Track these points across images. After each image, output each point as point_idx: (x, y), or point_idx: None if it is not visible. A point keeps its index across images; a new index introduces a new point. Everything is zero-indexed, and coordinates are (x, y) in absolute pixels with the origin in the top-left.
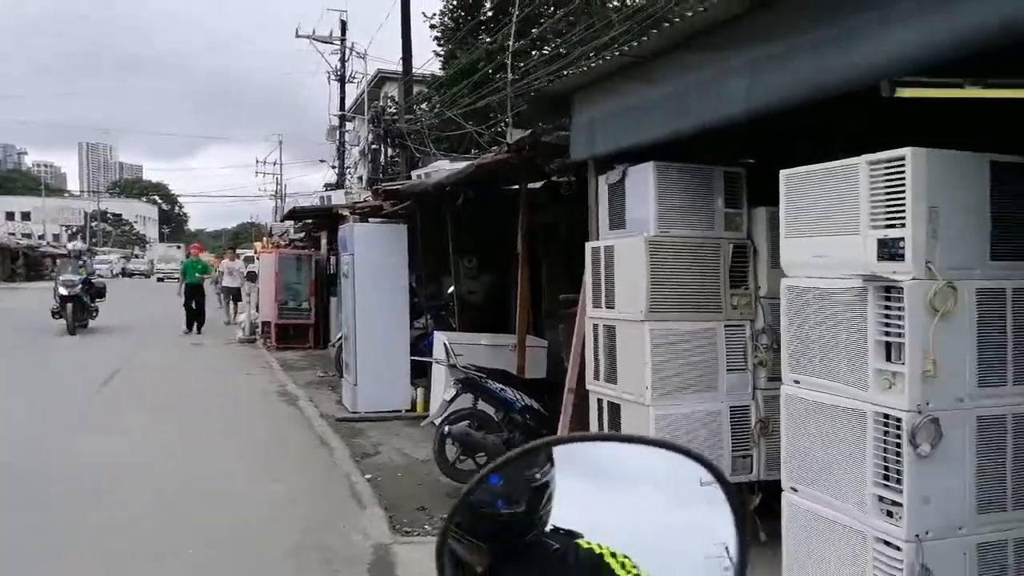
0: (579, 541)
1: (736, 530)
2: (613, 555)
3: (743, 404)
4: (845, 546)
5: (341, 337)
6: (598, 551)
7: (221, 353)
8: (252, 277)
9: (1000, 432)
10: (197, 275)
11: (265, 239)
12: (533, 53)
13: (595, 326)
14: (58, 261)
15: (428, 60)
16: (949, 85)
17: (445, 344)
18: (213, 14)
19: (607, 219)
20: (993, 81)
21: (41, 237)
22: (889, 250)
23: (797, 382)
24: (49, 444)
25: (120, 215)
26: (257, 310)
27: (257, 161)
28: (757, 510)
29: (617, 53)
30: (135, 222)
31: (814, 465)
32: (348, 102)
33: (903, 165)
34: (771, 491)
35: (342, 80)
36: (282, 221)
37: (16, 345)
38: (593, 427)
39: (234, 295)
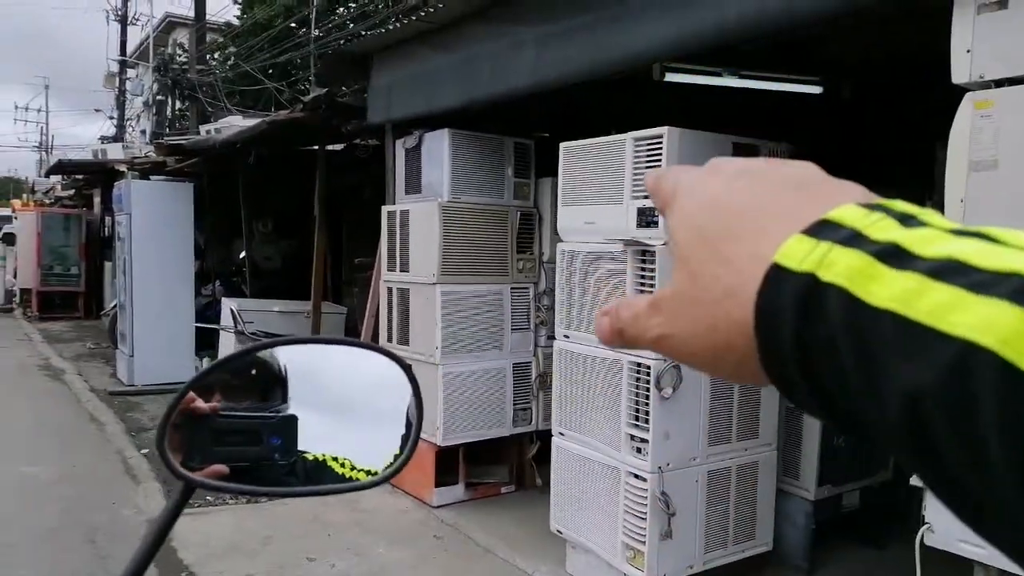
0: (304, 455)
1: (414, 396)
2: (335, 459)
3: (525, 361)
4: (602, 481)
5: (116, 305)
6: (321, 459)
7: None
8: (9, 240)
9: None
10: None
11: (26, 196)
12: (339, 11)
13: (389, 289)
14: None
15: (224, 7)
16: (710, 73)
17: (232, 310)
18: None
19: (403, 184)
20: (746, 73)
21: None
22: (646, 218)
23: (567, 336)
24: None
25: None
26: (15, 276)
27: (17, 107)
28: (534, 458)
29: (415, 18)
30: None
31: (578, 411)
32: (131, 47)
33: (661, 142)
34: (548, 440)
35: (123, 21)
36: (47, 176)
37: None
38: None
39: None
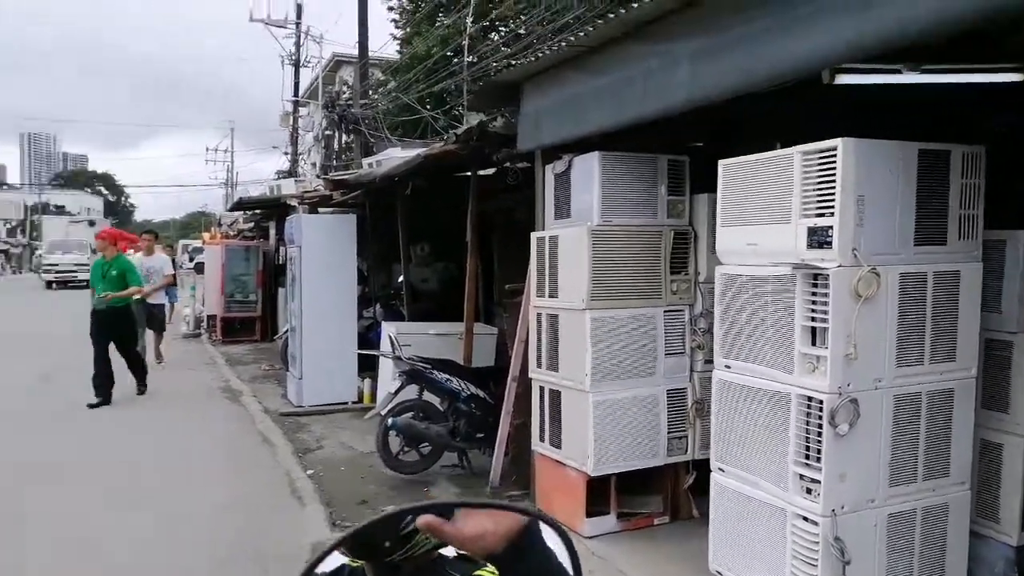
0: (479, 572)
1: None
2: None
3: (680, 387)
4: (767, 522)
5: (288, 330)
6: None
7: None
8: (200, 269)
9: (915, 408)
10: (107, 289)
11: (214, 229)
12: (492, 36)
13: (539, 315)
14: None
15: (385, 43)
16: (887, 71)
17: (390, 336)
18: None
19: (553, 209)
20: (928, 67)
21: None
22: (818, 238)
23: (728, 366)
24: None
25: (63, 207)
26: (203, 303)
27: (207, 149)
28: (691, 488)
29: (564, 44)
30: (78, 214)
31: (740, 446)
32: (303, 87)
33: (834, 155)
34: (705, 469)
35: (296, 65)
36: (231, 211)
37: None
38: (535, 414)
39: (153, 317)
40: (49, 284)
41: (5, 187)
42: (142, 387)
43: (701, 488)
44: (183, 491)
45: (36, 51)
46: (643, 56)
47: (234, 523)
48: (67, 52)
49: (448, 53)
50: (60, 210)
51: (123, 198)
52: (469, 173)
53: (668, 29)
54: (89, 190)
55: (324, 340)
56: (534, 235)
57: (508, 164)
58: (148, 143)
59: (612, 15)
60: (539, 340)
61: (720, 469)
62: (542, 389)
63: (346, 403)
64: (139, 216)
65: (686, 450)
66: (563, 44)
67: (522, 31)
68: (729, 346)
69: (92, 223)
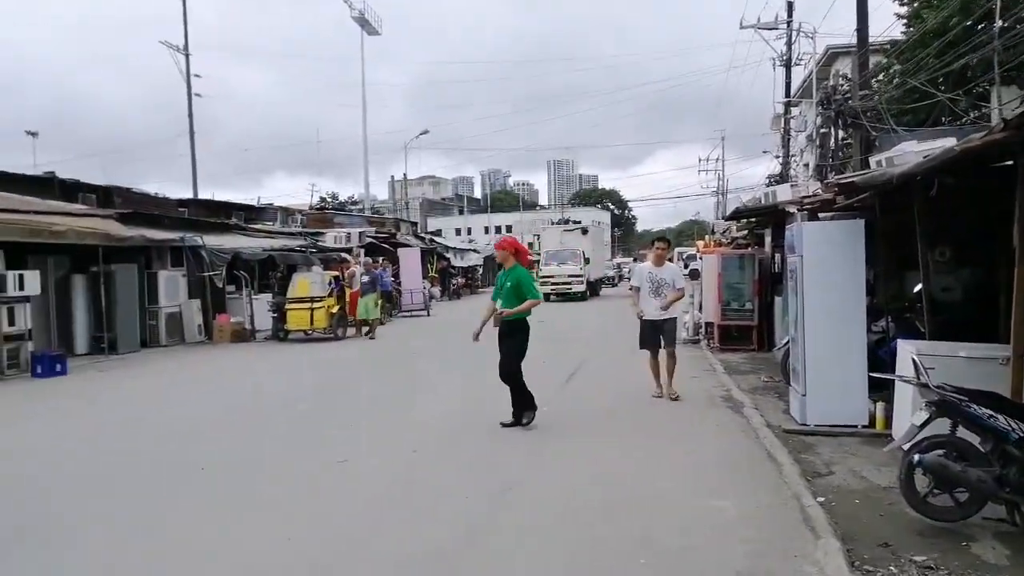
0: None
1: None
2: None
3: None
4: None
5: (787, 341)
6: None
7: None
8: (694, 275)
9: None
10: (504, 301)
11: (708, 237)
12: None
13: None
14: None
15: (888, 26)
16: None
17: (914, 359)
18: (654, 25)
19: None
20: None
21: None
22: None
23: None
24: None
25: (579, 221)
26: (699, 310)
27: (699, 160)
28: None
29: None
30: (592, 226)
31: None
32: (794, 87)
33: None
34: None
35: (788, 64)
36: (725, 219)
37: None
38: None
39: (660, 332)
40: (547, 296)
41: (538, 208)
42: (518, 416)
43: None
44: (690, 500)
45: (556, 94)
46: None
47: (744, 546)
48: (581, 90)
49: (968, 22)
50: (577, 223)
51: (626, 211)
52: (1008, 162)
53: None
54: (599, 206)
55: (829, 355)
56: None
57: None
58: (648, 160)
59: None
60: None
61: None
62: None
63: (855, 426)
64: (640, 227)
65: None
66: None
67: None
68: None
69: (585, 231)
